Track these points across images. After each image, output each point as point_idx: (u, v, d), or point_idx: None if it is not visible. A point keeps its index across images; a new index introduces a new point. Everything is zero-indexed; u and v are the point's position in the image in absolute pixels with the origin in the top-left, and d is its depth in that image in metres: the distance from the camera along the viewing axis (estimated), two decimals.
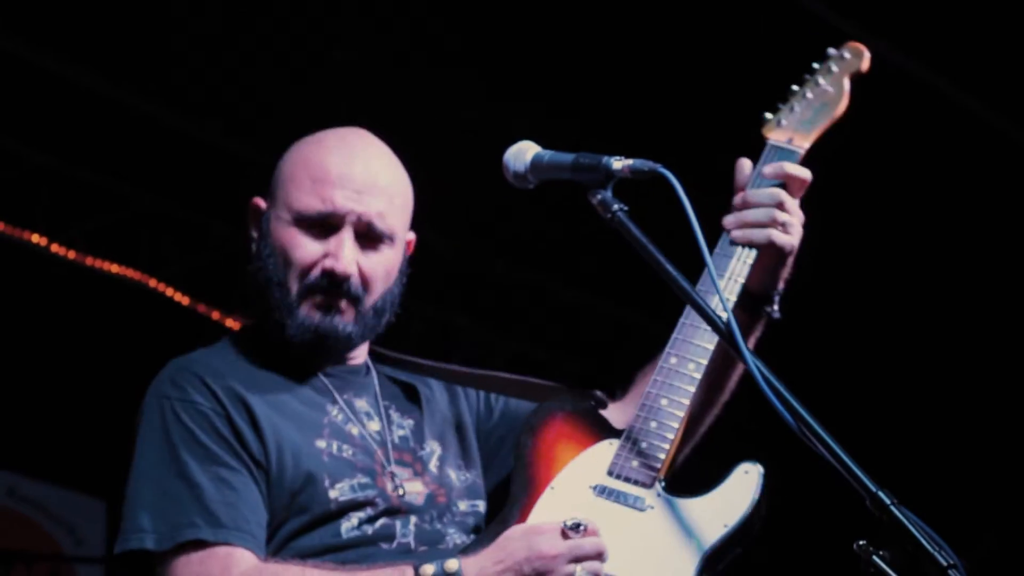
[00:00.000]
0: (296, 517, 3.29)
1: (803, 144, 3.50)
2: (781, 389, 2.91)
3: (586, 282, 7.47)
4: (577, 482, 3.32)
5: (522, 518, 3.28)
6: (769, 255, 3.40)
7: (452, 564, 3.12)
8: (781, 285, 3.47)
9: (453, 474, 3.51)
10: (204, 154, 6.70)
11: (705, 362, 3.34)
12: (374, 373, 3.58)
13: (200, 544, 3.21)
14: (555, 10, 6.28)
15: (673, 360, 3.34)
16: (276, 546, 3.29)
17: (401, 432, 3.50)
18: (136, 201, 7.07)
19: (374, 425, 3.46)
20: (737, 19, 6.43)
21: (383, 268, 3.45)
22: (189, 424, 3.29)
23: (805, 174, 3.42)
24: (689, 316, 3.36)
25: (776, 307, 3.48)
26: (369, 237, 3.43)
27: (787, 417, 2.89)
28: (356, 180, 3.43)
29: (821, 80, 3.59)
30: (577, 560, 3.12)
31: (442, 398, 3.67)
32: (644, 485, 3.27)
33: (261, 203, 3.49)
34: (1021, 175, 7.13)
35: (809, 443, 2.91)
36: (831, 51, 3.62)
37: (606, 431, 3.40)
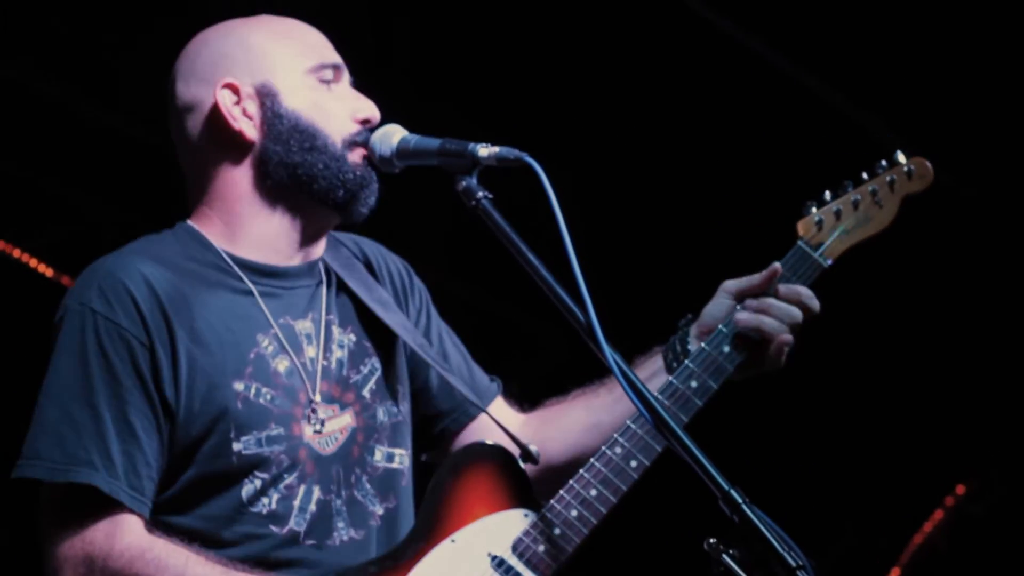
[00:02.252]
0: (194, 468, 3.22)
1: (831, 256, 3.46)
2: (641, 387, 2.91)
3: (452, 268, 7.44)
4: (479, 544, 3.24)
5: (415, 559, 3.21)
6: (757, 360, 3.40)
7: None
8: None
9: (382, 410, 3.42)
10: (71, 125, 6.59)
11: (648, 462, 3.26)
12: (327, 279, 3.48)
13: (92, 492, 3.13)
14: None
15: (619, 451, 3.26)
16: (176, 498, 3.21)
17: (339, 353, 3.41)
18: (2, 170, 6.94)
19: (311, 351, 3.37)
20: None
21: None
22: (109, 351, 3.21)
23: (817, 307, 3.42)
24: None
25: None
26: None
27: (645, 413, 2.90)
28: (328, 43, 3.51)
29: (879, 191, 3.49)
30: None
31: (401, 304, 3.60)
32: (541, 574, 3.22)
33: (234, 82, 3.39)
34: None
35: (665, 439, 2.91)
36: (900, 159, 3.52)
37: (525, 498, 3.32)
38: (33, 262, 7.37)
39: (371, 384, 3.42)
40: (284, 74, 3.39)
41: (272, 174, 3.37)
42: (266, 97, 3.38)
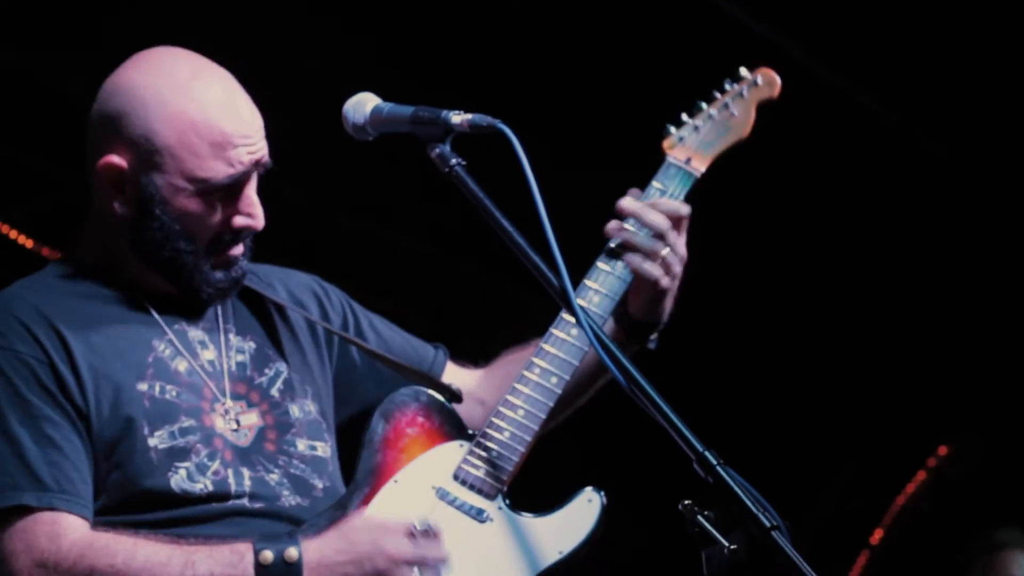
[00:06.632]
0: (118, 470, 3.21)
1: (700, 167, 3.53)
2: (614, 350, 2.93)
3: (431, 234, 7.44)
4: (421, 479, 3.31)
5: (362, 505, 3.27)
6: (646, 285, 3.42)
7: (292, 553, 3.10)
8: (663, 319, 3.50)
9: (295, 407, 3.43)
10: (49, 98, 6.56)
11: (568, 376, 3.35)
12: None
13: (25, 510, 3.13)
14: None
15: (537, 371, 3.36)
16: (112, 507, 3.20)
17: (240, 358, 3.42)
18: None
19: (208, 354, 3.38)
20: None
21: None
22: (11, 376, 3.20)
23: (686, 211, 3.44)
24: (559, 326, 3.37)
25: (654, 340, 3.51)
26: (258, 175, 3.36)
27: (619, 377, 2.91)
28: (250, 127, 3.33)
29: (730, 103, 3.60)
30: (418, 564, 3.14)
31: (302, 303, 3.59)
32: (487, 496, 3.30)
33: (121, 163, 3.27)
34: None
35: (639, 403, 2.92)
36: (744, 73, 3.63)
37: (458, 431, 3.40)
38: (13, 233, 7.36)
39: (278, 385, 3.43)
40: (177, 176, 3.26)
41: (140, 247, 3.33)
42: (145, 194, 3.28)
